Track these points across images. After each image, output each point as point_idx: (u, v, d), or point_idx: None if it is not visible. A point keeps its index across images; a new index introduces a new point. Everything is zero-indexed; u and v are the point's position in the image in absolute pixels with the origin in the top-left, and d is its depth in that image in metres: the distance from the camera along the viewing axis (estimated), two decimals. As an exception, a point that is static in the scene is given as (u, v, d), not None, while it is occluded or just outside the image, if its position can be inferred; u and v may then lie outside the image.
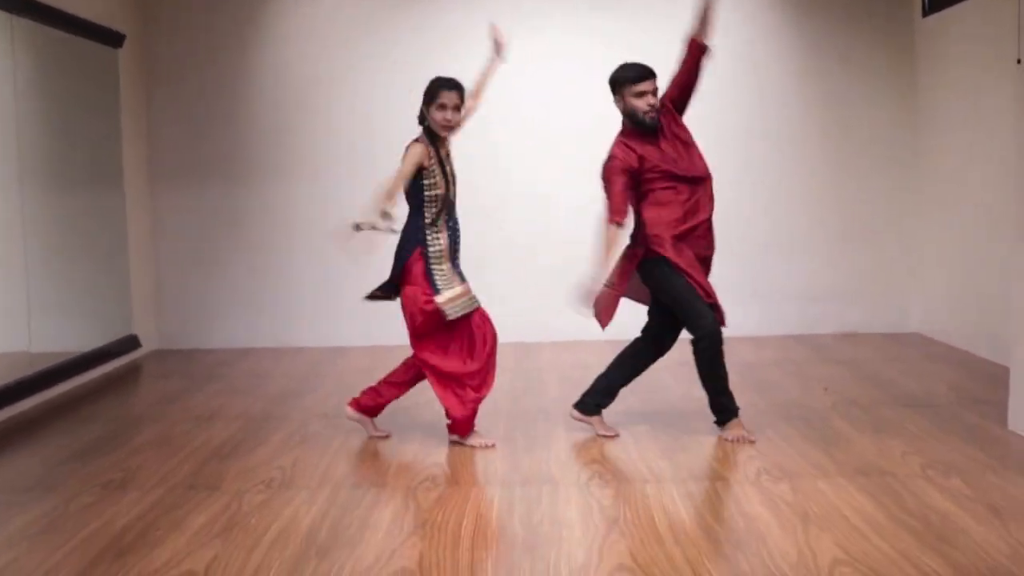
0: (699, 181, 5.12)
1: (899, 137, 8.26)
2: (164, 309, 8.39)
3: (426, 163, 4.92)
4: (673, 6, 8.02)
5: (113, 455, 5.12)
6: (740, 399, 5.95)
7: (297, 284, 8.36)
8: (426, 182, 4.95)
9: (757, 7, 8.23)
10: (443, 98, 4.96)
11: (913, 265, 8.30)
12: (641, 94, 5.06)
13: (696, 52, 5.09)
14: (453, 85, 5.00)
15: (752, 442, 5.06)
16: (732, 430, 5.18)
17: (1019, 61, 4.98)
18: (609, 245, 5.02)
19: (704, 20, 5.05)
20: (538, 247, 8.05)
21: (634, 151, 5.07)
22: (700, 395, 6.06)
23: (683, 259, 4.99)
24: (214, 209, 8.35)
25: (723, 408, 5.23)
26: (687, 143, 5.17)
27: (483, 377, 5.10)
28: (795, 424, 5.39)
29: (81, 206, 7.27)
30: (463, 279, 5.06)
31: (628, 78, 5.09)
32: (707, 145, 7.83)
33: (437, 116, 4.96)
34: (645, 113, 5.07)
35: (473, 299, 5.05)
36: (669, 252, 4.98)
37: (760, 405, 5.86)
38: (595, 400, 5.35)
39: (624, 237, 5.13)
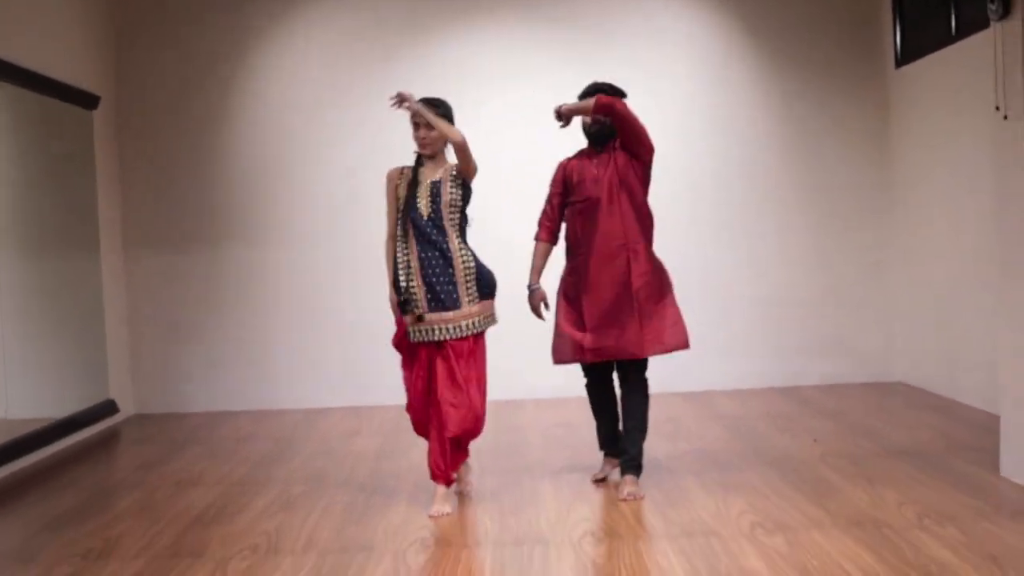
0: (593, 203, 5.20)
1: (875, 188, 8.32)
2: (141, 374, 8.28)
3: (396, 180, 5.12)
4: (650, 62, 8.22)
5: (92, 523, 5.00)
6: (729, 451, 5.96)
7: (276, 345, 8.28)
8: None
9: (731, 58, 8.31)
10: (415, 117, 5.05)
11: (895, 315, 8.30)
12: None
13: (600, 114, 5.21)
14: (424, 100, 5.05)
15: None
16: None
17: (997, 108, 5.01)
18: (534, 257, 5.44)
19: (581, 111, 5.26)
20: (519, 305, 7.95)
21: (569, 165, 5.38)
22: (685, 450, 6.06)
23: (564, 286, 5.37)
24: (189, 272, 8.28)
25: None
26: (609, 170, 5.23)
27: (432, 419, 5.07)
28: (786, 476, 5.33)
29: (57, 270, 7.19)
30: (439, 306, 4.97)
31: (579, 97, 5.37)
32: (682, 201, 8.05)
33: (414, 134, 5.08)
34: (587, 126, 5.31)
35: (428, 330, 4.99)
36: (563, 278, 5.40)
37: (750, 458, 5.80)
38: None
39: (553, 253, 5.49)
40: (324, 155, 8.24)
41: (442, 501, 4.99)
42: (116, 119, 8.16)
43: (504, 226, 7.76)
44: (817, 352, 8.31)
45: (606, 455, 5.50)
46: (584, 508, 4.95)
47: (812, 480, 5.23)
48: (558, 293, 5.39)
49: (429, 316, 4.96)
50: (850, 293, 8.35)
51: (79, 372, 7.40)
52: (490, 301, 5.14)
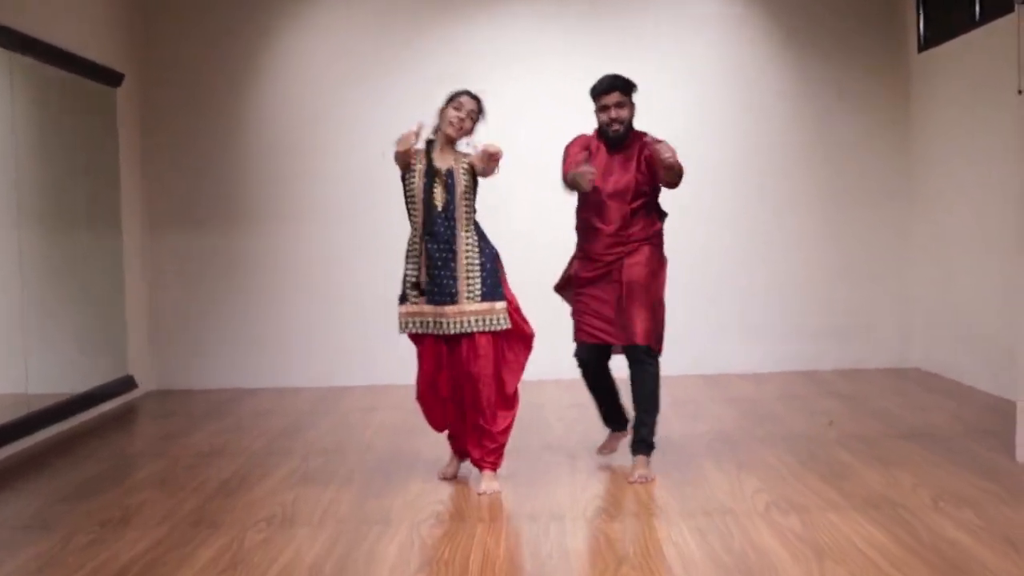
0: (614, 196, 5.10)
1: (894, 172, 8.30)
2: (161, 350, 8.34)
3: (412, 161, 4.94)
4: (671, 46, 8.23)
5: (112, 493, 5.06)
6: (745, 433, 5.96)
7: (296, 324, 8.32)
8: (406, 182, 5.00)
9: (751, 42, 8.29)
10: (461, 98, 4.98)
11: (912, 300, 8.29)
12: (603, 108, 5.13)
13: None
14: (475, 96, 5.01)
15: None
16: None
17: (1020, 91, 4.99)
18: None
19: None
20: (538, 286, 7.96)
21: (590, 146, 5.19)
22: (702, 431, 6.07)
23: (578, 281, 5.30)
24: (211, 250, 8.32)
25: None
26: (629, 176, 5.12)
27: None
28: (801, 457, 5.34)
29: (79, 247, 7.23)
30: (434, 300, 4.93)
31: (592, 92, 5.18)
32: (701, 185, 8.00)
33: (452, 114, 4.94)
34: (606, 125, 5.12)
35: (427, 323, 4.96)
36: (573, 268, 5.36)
37: (764, 438, 5.81)
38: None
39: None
40: (345, 135, 8.25)
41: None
42: (139, 97, 8.19)
43: (521, 212, 7.85)
44: (834, 337, 8.31)
45: (612, 431, 5.52)
46: (599, 486, 4.98)
47: (827, 461, 5.24)
48: (573, 277, 5.37)
49: (426, 308, 4.94)
50: (868, 279, 8.33)
51: (98, 348, 7.45)
52: (494, 303, 4.99)
